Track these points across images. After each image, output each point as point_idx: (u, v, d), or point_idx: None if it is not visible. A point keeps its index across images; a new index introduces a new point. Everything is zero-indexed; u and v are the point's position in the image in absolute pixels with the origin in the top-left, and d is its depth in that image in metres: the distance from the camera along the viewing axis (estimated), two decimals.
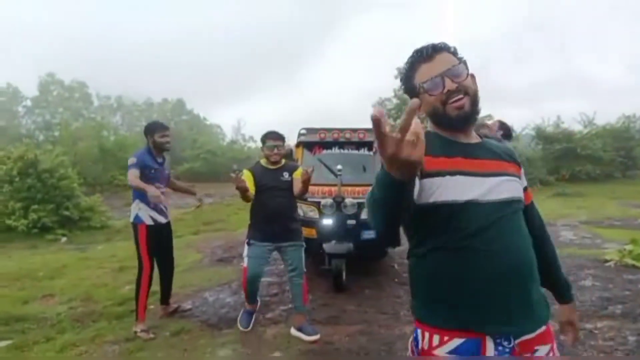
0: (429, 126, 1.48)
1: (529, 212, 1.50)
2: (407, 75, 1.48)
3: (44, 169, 11.03)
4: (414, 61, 1.45)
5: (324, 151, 5.68)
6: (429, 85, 1.38)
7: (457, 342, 1.31)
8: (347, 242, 4.85)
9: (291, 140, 6.28)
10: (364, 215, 5.10)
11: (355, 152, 5.68)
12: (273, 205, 3.76)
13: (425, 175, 1.31)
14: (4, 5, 65.23)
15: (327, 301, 4.59)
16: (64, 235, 10.52)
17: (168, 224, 4.24)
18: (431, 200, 1.31)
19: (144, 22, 78.73)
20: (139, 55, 66.30)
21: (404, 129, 0.93)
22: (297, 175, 3.80)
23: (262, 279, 5.44)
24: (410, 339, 1.48)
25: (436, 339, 1.34)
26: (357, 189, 5.18)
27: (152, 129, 4.12)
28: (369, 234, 5.10)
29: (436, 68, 1.38)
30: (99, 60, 57.37)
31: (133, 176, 3.88)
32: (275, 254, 4.00)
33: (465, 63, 1.42)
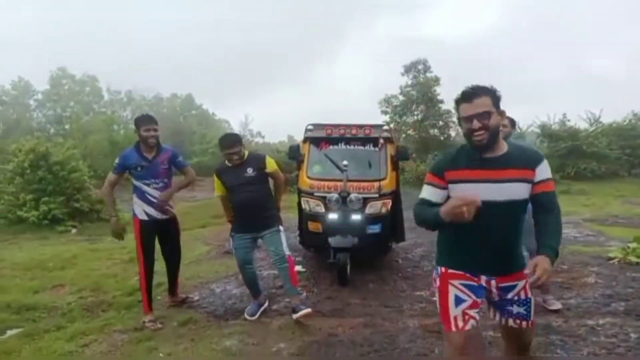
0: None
1: (540, 198, 2.12)
2: (456, 107, 2.18)
3: (55, 161, 11.18)
4: (458, 100, 2.13)
5: (331, 147, 5.73)
6: (464, 121, 2.09)
7: (465, 278, 2.19)
8: (351, 236, 4.91)
9: (298, 137, 6.31)
10: (368, 210, 5.15)
11: (361, 148, 5.71)
12: (242, 201, 3.98)
13: (452, 182, 2.14)
14: (17, 0, 65.74)
15: (331, 294, 4.65)
16: (74, 226, 10.68)
17: (169, 220, 4.24)
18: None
19: (155, 17, 78.99)
20: (150, 50, 66.54)
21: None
22: (271, 168, 4.08)
23: (268, 272, 5.56)
24: (433, 275, 2.37)
25: (451, 271, 2.23)
26: (362, 184, 5.22)
27: (137, 122, 4.07)
28: (373, 229, 5.15)
29: (470, 109, 2.05)
30: (109, 55, 57.76)
31: (106, 182, 4.10)
32: (259, 242, 4.22)
33: (497, 105, 2.07)
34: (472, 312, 2.14)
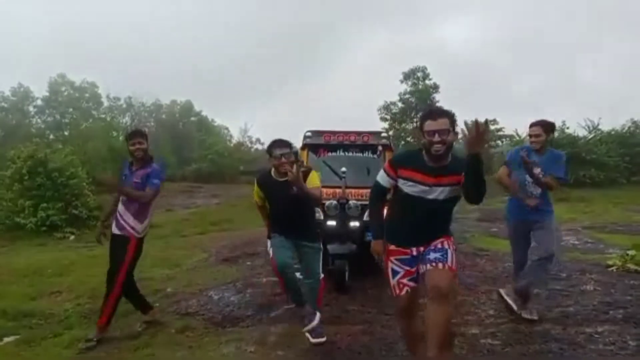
0: (423, 151, 2.71)
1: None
2: (420, 122, 2.72)
3: (53, 167, 11.18)
4: (425, 116, 2.71)
5: (329, 154, 5.74)
6: (427, 134, 2.62)
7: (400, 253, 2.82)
8: (350, 243, 4.91)
9: (297, 144, 6.33)
10: (367, 217, 5.15)
11: (360, 155, 5.73)
12: (284, 217, 3.65)
13: (401, 177, 2.77)
14: (16, 6, 66.01)
15: (330, 301, 4.63)
16: (72, 233, 10.66)
17: (121, 237, 3.93)
18: (400, 188, 2.78)
19: (154, 24, 79.35)
20: (150, 56, 66.76)
21: None
22: (311, 183, 3.58)
23: (267, 279, 5.54)
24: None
25: (393, 247, 2.85)
26: (361, 191, 5.23)
27: (126, 137, 4.21)
28: (368, 237, 5.15)
29: (435, 126, 2.60)
30: (109, 62, 57.89)
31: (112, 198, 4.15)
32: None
33: (453, 126, 2.65)
34: (405, 281, 2.77)
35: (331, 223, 5.10)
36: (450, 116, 2.65)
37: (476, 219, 11.92)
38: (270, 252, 3.70)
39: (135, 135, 4.09)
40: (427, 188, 2.66)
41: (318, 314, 3.51)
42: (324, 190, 5.32)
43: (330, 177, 5.33)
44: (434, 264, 2.66)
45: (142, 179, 3.95)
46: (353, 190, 5.20)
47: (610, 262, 5.75)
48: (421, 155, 2.71)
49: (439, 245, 2.73)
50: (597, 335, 3.63)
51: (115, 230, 3.96)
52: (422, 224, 2.74)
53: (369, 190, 5.18)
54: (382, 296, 4.81)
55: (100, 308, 3.93)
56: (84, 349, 3.67)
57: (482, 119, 2.36)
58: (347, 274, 4.92)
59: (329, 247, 4.86)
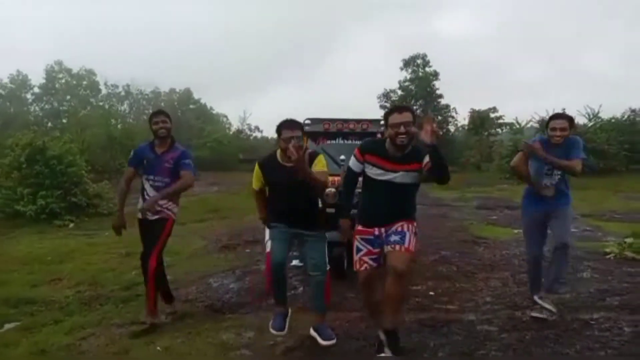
0: (387, 141, 3.08)
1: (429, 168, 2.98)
2: (386, 115, 3.11)
3: (51, 155, 11.13)
4: (393, 109, 3.10)
5: (328, 141, 5.73)
6: (392, 127, 2.97)
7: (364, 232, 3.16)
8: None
9: None
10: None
11: (359, 142, 5.71)
12: (287, 205, 3.40)
13: (367, 162, 3.10)
14: None
15: None
16: (71, 221, 10.65)
17: (158, 220, 3.88)
18: (366, 172, 3.13)
19: (153, 11, 78.62)
20: (148, 44, 66.33)
21: None
22: (318, 167, 3.36)
23: (264, 267, 5.55)
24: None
25: (359, 227, 3.18)
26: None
27: (149, 118, 4.10)
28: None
29: (400, 118, 2.95)
30: (107, 49, 57.47)
31: (123, 176, 4.04)
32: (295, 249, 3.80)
33: (414, 120, 2.98)
34: (366, 259, 3.13)
35: (329, 211, 5.10)
36: (412, 111, 3.07)
37: (475, 207, 11.96)
38: (268, 244, 3.57)
39: (159, 113, 4.05)
40: (385, 172, 3.03)
41: (333, 337, 3.36)
42: None
43: (330, 164, 5.32)
44: (393, 246, 3.01)
45: (174, 162, 3.89)
46: None
47: (607, 250, 5.79)
48: (384, 144, 3.09)
49: (399, 229, 3.05)
50: (593, 322, 3.67)
51: (150, 216, 3.86)
52: (383, 204, 3.09)
53: None
54: (380, 284, 4.84)
55: (145, 294, 3.88)
56: (139, 332, 3.68)
57: (431, 115, 2.72)
58: (345, 261, 4.94)
59: (327, 234, 4.86)
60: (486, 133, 30.61)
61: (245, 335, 3.62)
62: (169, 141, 3.98)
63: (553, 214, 3.77)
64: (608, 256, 5.61)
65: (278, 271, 3.38)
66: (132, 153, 4.04)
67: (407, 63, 34.05)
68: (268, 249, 3.58)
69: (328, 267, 3.52)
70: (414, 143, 3.01)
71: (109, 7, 69.44)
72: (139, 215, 3.94)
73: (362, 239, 3.16)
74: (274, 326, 3.44)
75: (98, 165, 20.90)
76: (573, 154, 3.69)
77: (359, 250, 3.16)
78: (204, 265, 5.74)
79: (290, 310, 3.58)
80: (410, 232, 3.05)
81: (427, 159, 2.97)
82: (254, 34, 78.94)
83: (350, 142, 5.72)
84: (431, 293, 4.56)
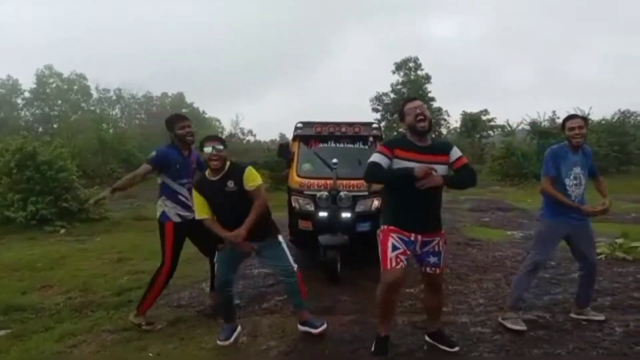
0: (408, 135, 3.15)
1: (462, 170, 3.09)
2: (401, 109, 3.18)
3: (42, 161, 11.01)
4: (406, 101, 3.20)
5: (320, 145, 5.73)
6: (409, 111, 3.08)
7: (401, 233, 3.03)
8: (341, 234, 4.92)
9: (289, 135, 6.29)
10: (358, 208, 5.17)
11: (351, 146, 5.73)
12: (231, 221, 3.36)
13: (398, 157, 3.00)
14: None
15: (321, 292, 4.65)
16: (62, 227, 10.54)
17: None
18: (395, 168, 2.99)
19: (145, 15, 78.40)
20: (140, 48, 66.07)
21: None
22: (249, 183, 3.37)
23: (258, 270, 5.55)
24: (378, 231, 3.15)
25: (392, 228, 3.05)
26: (352, 182, 5.24)
27: (171, 121, 4.04)
28: (363, 227, 5.17)
29: (414, 105, 3.09)
30: (98, 53, 57.19)
31: (140, 170, 3.92)
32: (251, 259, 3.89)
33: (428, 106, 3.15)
34: (402, 257, 2.98)
35: (322, 214, 5.11)
36: (423, 101, 3.26)
37: (468, 209, 11.99)
38: (215, 266, 3.59)
39: (185, 118, 4.08)
40: (419, 164, 2.90)
41: (324, 322, 3.65)
42: (316, 181, 5.33)
43: (322, 168, 5.33)
44: (433, 269, 3.11)
45: (196, 163, 4.11)
46: (344, 182, 5.20)
47: (598, 251, 5.81)
48: (408, 139, 3.10)
49: (437, 248, 3.10)
50: (584, 323, 3.68)
51: (189, 214, 3.89)
52: (417, 204, 2.99)
53: (360, 182, 5.27)
54: (374, 287, 4.83)
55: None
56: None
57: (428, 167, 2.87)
58: (338, 265, 4.94)
59: (320, 238, 4.88)
60: (478, 135, 30.78)
61: (239, 340, 3.60)
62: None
63: (580, 231, 3.66)
64: (599, 257, 5.62)
65: (224, 290, 3.54)
66: (157, 154, 3.91)
67: (399, 66, 34.21)
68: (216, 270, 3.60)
69: (295, 267, 3.59)
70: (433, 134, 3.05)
71: (99, 11, 69.18)
72: (177, 220, 3.92)
73: (399, 237, 3.02)
74: (220, 337, 3.53)
75: (89, 170, 20.78)
76: (595, 168, 3.79)
77: (395, 247, 2.99)
78: (197, 270, 5.68)
79: (240, 327, 3.68)
80: (444, 251, 3.14)
81: (455, 154, 3.08)
82: (246, 38, 79.00)
83: (342, 145, 5.73)
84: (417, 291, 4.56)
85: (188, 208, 3.93)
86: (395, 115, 32.83)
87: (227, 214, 3.41)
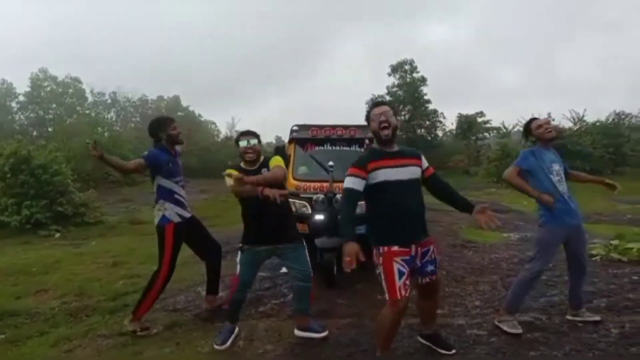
0: (374, 143, 3.15)
1: (432, 178, 3.11)
2: (367, 115, 3.08)
3: (37, 164, 10.98)
4: (373, 106, 3.08)
5: (316, 148, 5.74)
6: (374, 118, 2.99)
7: (403, 253, 2.89)
8: (338, 237, 4.91)
9: (284, 138, 6.31)
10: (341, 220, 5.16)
11: (347, 148, 5.74)
12: (260, 210, 3.44)
13: (371, 170, 2.91)
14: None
15: (318, 294, 4.60)
16: (57, 231, 10.50)
17: (193, 217, 4.16)
18: (375, 181, 2.91)
19: (140, 18, 78.31)
20: (135, 52, 65.93)
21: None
22: (273, 163, 3.58)
23: (257, 274, 5.52)
24: (376, 254, 2.96)
25: (395, 248, 2.89)
26: None
27: (162, 123, 4.07)
28: (359, 230, 5.14)
29: (380, 110, 2.99)
30: (93, 56, 57.06)
31: (133, 163, 3.90)
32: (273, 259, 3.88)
33: (395, 112, 3.06)
34: (407, 282, 2.87)
35: (319, 217, 5.10)
36: (391, 105, 3.16)
37: None
38: (238, 267, 3.59)
39: (173, 119, 4.18)
40: (394, 169, 2.92)
41: (324, 327, 3.68)
42: (312, 184, 5.33)
43: (318, 171, 5.33)
44: (431, 278, 3.05)
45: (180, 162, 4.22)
46: (341, 184, 5.16)
47: (594, 252, 5.84)
48: (376, 148, 3.08)
49: (432, 257, 3.04)
50: (580, 324, 3.69)
51: (187, 214, 4.04)
52: (408, 209, 2.92)
53: None
54: (371, 290, 4.84)
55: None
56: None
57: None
58: (335, 267, 4.93)
59: (317, 241, 4.87)
60: (474, 137, 30.90)
61: (236, 344, 3.58)
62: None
63: (577, 233, 3.67)
64: (594, 258, 5.66)
65: (243, 293, 3.63)
66: (149, 154, 3.91)
67: (395, 69, 34.28)
68: (237, 271, 3.60)
69: (311, 272, 3.65)
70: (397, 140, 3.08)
71: (94, 15, 69.04)
72: (177, 219, 3.95)
73: (402, 260, 2.87)
74: (217, 341, 3.54)
75: (84, 174, 20.70)
76: (566, 165, 3.85)
77: (401, 274, 2.83)
78: (193, 273, 5.67)
79: (237, 329, 3.70)
80: (437, 256, 3.10)
81: (425, 162, 3.10)
82: (242, 41, 79.01)
83: (338, 148, 5.74)
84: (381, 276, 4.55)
85: (185, 206, 4.03)
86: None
87: (257, 209, 3.46)
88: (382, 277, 2.90)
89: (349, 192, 2.93)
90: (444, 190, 3.14)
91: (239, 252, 3.63)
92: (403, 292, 2.82)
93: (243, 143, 3.59)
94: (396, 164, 2.94)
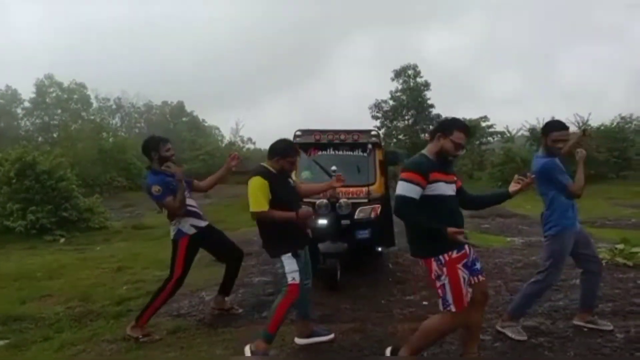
0: (426, 151, 2.93)
1: (462, 189, 3.07)
2: (450, 126, 2.89)
3: (42, 170, 11.05)
4: (462, 126, 2.91)
5: (319, 152, 5.74)
6: (457, 141, 2.83)
7: (463, 257, 2.78)
8: (341, 242, 4.92)
9: None
10: (358, 215, 5.17)
11: (350, 153, 5.74)
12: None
13: (432, 181, 2.76)
14: (4, 6, 65.34)
15: (321, 300, 4.64)
16: (62, 236, 10.55)
17: (209, 225, 4.21)
18: (433, 193, 2.77)
19: (144, 24, 78.87)
20: (140, 57, 66.32)
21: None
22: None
23: (258, 279, 5.54)
24: (438, 265, 2.75)
25: (455, 256, 2.74)
26: (351, 189, 5.24)
27: (156, 143, 4.05)
28: (363, 234, 5.16)
29: (464, 137, 2.87)
30: (98, 62, 57.46)
31: (175, 202, 3.87)
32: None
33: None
34: (470, 288, 2.81)
35: (322, 222, 5.10)
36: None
37: (467, 216, 11.95)
38: (296, 276, 3.30)
39: (167, 140, 4.16)
40: (448, 185, 2.88)
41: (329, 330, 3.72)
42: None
43: (321, 175, 5.33)
44: (482, 275, 2.97)
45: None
46: (343, 189, 5.20)
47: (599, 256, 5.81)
48: (431, 159, 2.88)
49: (476, 255, 2.99)
50: (585, 329, 3.67)
51: (202, 223, 4.12)
52: (460, 219, 2.90)
53: (359, 189, 5.29)
54: (374, 295, 4.83)
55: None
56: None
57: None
58: (338, 272, 4.93)
59: (320, 246, 4.87)
60: (477, 142, 30.86)
61: (239, 350, 3.58)
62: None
63: (581, 235, 3.71)
64: None
65: (302, 291, 3.41)
66: (160, 186, 3.86)
67: (398, 74, 34.24)
68: (291, 281, 3.29)
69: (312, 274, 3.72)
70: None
71: (99, 20, 69.53)
72: (192, 231, 4.01)
73: (463, 265, 2.78)
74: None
75: (89, 179, 20.79)
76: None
77: (464, 281, 2.76)
78: (197, 278, 5.67)
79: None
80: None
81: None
82: (246, 46, 79.37)
83: (341, 152, 5.74)
84: (425, 303, 4.55)
85: (199, 216, 4.10)
86: (395, 123, 32.82)
87: (293, 204, 3.44)
88: (448, 287, 2.72)
89: (405, 203, 2.73)
90: (474, 200, 3.18)
91: (289, 260, 3.31)
92: (467, 300, 2.75)
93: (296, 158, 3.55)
94: (447, 179, 2.87)
